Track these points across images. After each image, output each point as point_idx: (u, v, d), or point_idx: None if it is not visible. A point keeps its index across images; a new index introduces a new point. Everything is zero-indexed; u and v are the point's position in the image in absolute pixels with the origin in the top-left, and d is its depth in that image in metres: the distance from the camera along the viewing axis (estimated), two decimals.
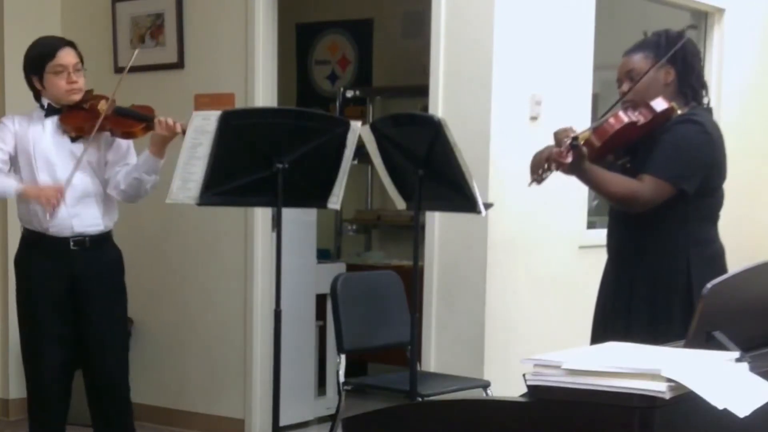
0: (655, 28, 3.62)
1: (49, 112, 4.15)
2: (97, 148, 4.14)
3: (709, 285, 2.21)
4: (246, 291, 5.30)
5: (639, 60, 3.46)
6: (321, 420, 5.64)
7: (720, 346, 2.20)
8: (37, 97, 4.20)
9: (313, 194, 4.05)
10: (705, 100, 3.55)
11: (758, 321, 2.41)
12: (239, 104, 5.23)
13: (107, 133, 4.14)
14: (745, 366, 2.12)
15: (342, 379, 4.39)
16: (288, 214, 4.36)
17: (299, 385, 5.43)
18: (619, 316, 3.50)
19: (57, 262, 4.11)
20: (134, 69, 5.31)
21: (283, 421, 4.18)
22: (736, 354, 2.15)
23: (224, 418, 5.40)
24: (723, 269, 3.47)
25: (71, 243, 4.11)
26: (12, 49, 5.64)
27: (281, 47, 5.63)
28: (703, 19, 6.28)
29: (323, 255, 6.13)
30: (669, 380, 1.92)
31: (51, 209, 4.00)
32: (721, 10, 6.22)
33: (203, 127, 3.73)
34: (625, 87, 3.46)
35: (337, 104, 7.00)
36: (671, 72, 3.46)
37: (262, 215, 5.25)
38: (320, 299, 5.55)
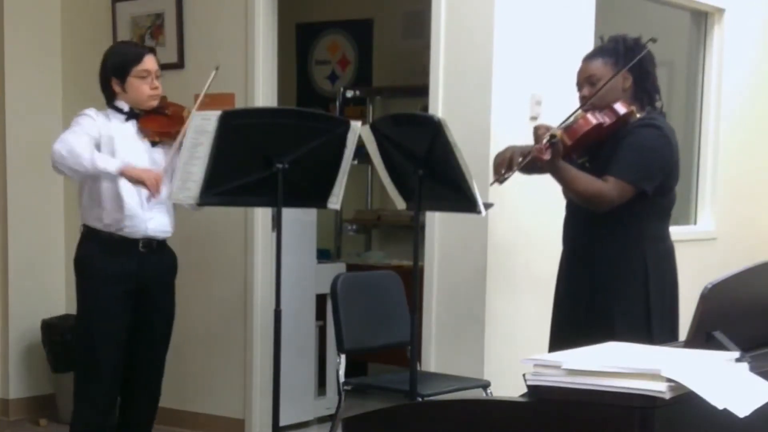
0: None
1: (130, 116, 4.18)
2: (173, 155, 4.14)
3: (709, 285, 2.21)
4: (246, 291, 5.29)
5: (599, 66, 3.66)
6: (321, 420, 5.64)
7: (720, 346, 2.21)
8: (111, 100, 4.21)
9: (313, 194, 4.05)
10: (658, 104, 3.75)
11: (758, 321, 2.41)
12: (239, 104, 5.23)
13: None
14: (745, 366, 2.12)
15: (342, 379, 4.38)
16: (288, 214, 4.36)
17: (299, 385, 5.43)
18: (579, 308, 3.67)
19: (125, 262, 4.12)
20: None
21: (283, 421, 4.18)
22: (736, 354, 2.15)
23: (224, 418, 5.40)
24: (674, 264, 3.73)
25: (140, 244, 4.13)
26: (12, 49, 5.65)
27: (281, 47, 5.63)
28: (703, 19, 6.29)
29: (323, 255, 6.13)
30: (669, 380, 1.92)
31: (156, 191, 3.99)
32: (721, 10, 6.21)
33: (203, 127, 3.73)
34: (586, 91, 3.65)
35: (337, 104, 7.00)
36: (629, 78, 3.66)
37: (262, 215, 5.24)
38: (320, 299, 5.55)
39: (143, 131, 4.19)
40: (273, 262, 4.40)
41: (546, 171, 3.54)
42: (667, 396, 1.93)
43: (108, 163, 3.98)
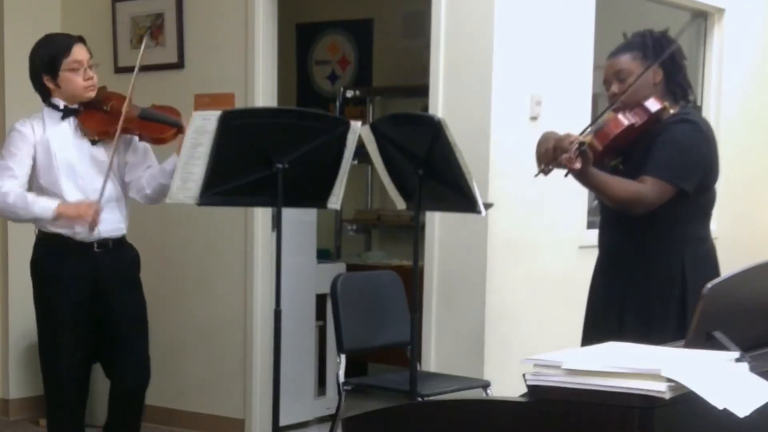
0: (654, 28, 3.65)
1: (66, 113, 4.06)
2: (120, 151, 4.09)
3: (709, 285, 2.21)
4: (246, 291, 5.30)
5: (627, 61, 3.50)
6: (321, 420, 5.64)
7: (720, 346, 2.20)
8: (46, 98, 4.08)
9: (313, 194, 4.04)
10: (691, 98, 3.59)
11: (758, 321, 2.41)
12: (239, 104, 5.23)
13: (129, 136, 4.10)
14: (745, 366, 2.12)
15: (342, 379, 4.38)
16: (288, 214, 4.36)
17: (299, 385, 5.43)
18: (612, 314, 3.54)
19: (81, 264, 4.05)
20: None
21: (283, 421, 4.18)
22: (736, 354, 2.15)
23: (224, 418, 5.40)
24: (715, 265, 3.54)
25: (95, 246, 4.07)
26: (12, 49, 5.65)
27: (281, 47, 5.63)
28: (703, 19, 6.29)
29: (323, 255, 6.13)
30: (669, 380, 1.92)
31: (92, 228, 3.96)
32: (721, 10, 6.22)
33: (203, 127, 3.73)
34: (615, 88, 3.49)
35: (337, 104, 7.01)
36: (659, 72, 3.50)
37: (262, 215, 5.25)
38: (320, 299, 5.55)
39: (82, 129, 4.06)
40: (273, 262, 4.40)
41: (577, 179, 3.37)
42: (667, 396, 1.92)
43: (44, 210, 3.94)
